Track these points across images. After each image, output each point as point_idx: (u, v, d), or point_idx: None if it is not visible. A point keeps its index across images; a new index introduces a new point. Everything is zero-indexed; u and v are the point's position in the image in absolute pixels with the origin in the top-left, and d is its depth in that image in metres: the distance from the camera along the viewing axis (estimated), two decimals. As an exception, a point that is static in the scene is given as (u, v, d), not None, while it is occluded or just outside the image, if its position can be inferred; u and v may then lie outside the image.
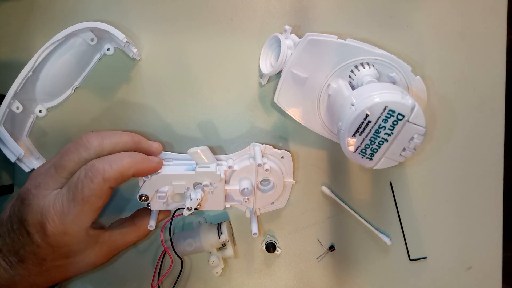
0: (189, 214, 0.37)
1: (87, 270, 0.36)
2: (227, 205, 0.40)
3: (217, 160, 0.40)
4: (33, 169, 0.42)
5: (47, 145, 0.44)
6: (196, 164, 0.38)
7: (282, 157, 0.40)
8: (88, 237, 0.34)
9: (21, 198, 0.34)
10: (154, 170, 0.36)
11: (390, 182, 0.43)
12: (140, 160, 0.34)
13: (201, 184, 0.37)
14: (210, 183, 0.37)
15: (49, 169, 0.34)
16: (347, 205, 0.43)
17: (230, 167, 0.38)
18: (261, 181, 0.40)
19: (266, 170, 0.38)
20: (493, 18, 0.41)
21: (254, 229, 0.39)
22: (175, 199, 0.39)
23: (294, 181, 0.41)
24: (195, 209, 0.37)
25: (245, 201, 0.40)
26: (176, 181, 0.37)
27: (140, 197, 0.37)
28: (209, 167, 0.38)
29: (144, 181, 0.37)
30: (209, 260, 0.41)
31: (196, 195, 0.36)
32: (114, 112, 0.43)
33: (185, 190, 0.37)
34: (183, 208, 0.37)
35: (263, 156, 0.39)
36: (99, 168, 0.32)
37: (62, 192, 0.33)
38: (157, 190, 0.37)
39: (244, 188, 0.39)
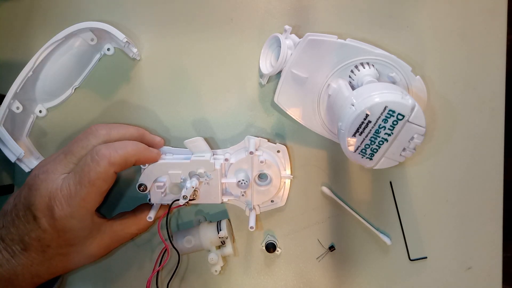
0: (185, 204, 0.37)
1: (87, 262, 0.37)
2: (225, 199, 0.40)
3: (213, 154, 0.40)
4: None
5: (47, 145, 0.44)
6: (192, 154, 0.39)
7: (278, 151, 0.41)
8: (92, 224, 0.36)
9: (28, 185, 0.35)
10: (153, 160, 0.38)
11: (390, 182, 0.43)
12: (143, 149, 0.37)
13: (196, 173, 0.38)
14: (205, 173, 0.38)
15: (58, 155, 0.36)
16: (347, 205, 0.43)
17: (226, 159, 0.39)
18: (259, 176, 0.40)
19: (261, 162, 0.39)
20: (493, 18, 0.41)
21: (251, 222, 0.39)
22: (173, 191, 0.39)
23: (292, 176, 0.41)
24: (192, 199, 0.38)
25: (242, 195, 0.40)
26: (172, 169, 0.38)
27: (139, 186, 0.38)
28: (203, 156, 0.39)
29: (143, 169, 0.38)
30: (208, 258, 0.41)
31: (191, 183, 0.37)
32: (114, 112, 0.43)
33: (181, 180, 0.39)
34: (177, 201, 0.38)
35: (258, 149, 0.40)
36: (105, 153, 0.34)
37: (69, 177, 0.34)
38: (155, 180, 0.38)
39: (240, 180, 0.39)
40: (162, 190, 0.38)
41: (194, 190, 0.38)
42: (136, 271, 0.45)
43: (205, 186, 0.39)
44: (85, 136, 0.36)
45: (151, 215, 0.39)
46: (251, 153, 0.38)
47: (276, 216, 0.44)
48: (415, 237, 0.44)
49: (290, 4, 0.42)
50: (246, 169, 0.40)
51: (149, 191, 0.39)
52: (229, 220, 0.44)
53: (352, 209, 0.43)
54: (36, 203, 0.33)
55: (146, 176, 0.38)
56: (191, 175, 0.39)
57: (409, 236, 0.44)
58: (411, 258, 0.44)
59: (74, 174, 0.34)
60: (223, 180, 0.40)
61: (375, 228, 0.43)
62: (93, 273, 0.45)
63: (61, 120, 0.43)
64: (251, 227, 0.39)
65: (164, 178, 0.39)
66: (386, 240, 0.43)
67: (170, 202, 0.39)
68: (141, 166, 0.39)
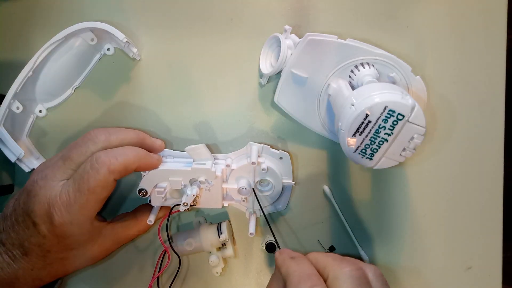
0: (185, 210, 0.37)
1: (88, 264, 0.37)
2: (225, 204, 0.40)
3: (215, 159, 0.40)
4: (33, 169, 0.42)
5: (47, 145, 0.44)
6: (193, 161, 0.39)
7: (280, 157, 0.40)
8: (92, 228, 0.35)
9: (27, 191, 0.34)
10: (154, 166, 0.38)
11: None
12: (143, 156, 0.36)
13: (197, 180, 0.38)
14: (206, 180, 0.38)
15: (57, 161, 0.35)
16: (341, 211, 0.43)
17: (228, 165, 0.39)
18: (260, 181, 0.40)
19: (263, 169, 0.38)
20: (493, 18, 0.41)
21: (251, 228, 0.39)
22: (174, 195, 0.39)
23: (294, 183, 0.41)
24: (192, 205, 0.38)
25: (243, 201, 0.40)
26: (173, 176, 0.38)
27: (140, 191, 0.38)
28: (205, 164, 0.39)
29: (144, 175, 0.38)
30: (209, 260, 0.41)
31: (191, 191, 0.37)
32: (114, 112, 0.43)
33: (182, 186, 0.38)
34: (178, 206, 0.38)
35: (260, 156, 0.40)
36: (105, 160, 0.33)
37: (68, 183, 0.34)
38: (155, 186, 0.38)
39: (241, 187, 0.39)
40: (163, 195, 0.38)
41: (195, 197, 0.38)
42: (136, 272, 0.45)
43: (206, 192, 0.39)
44: (83, 142, 0.36)
45: (151, 218, 0.39)
46: (253, 163, 0.38)
47: (276, 216, 0.44)
48: (415, 237, 0.44)
49: (290, 4, 0.42)
50: (248, 176, 0.40)
51: (149, 195, 0.39)
52: (229, 221, 0.44)
53: (344, 218, 0.43)
54: (35, 209, 0.33)
55: (147, 181, 0.38)
56: (192, 182, 0.39)
57: (409, 236, 0.44)
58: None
59: (73, 181, 0.34)
60: (224, 186, 0.40)
61: (358, 243, 0.43)
62: (93, 275, 0.45)
63: (61, 120, 0.43)
64: (251, 233, 0.39)
65: (164, 183, 0.39)
66: (365, 258, 0.43)
67: (170, 206, 0.39)
68: (141, 172, 0.38)
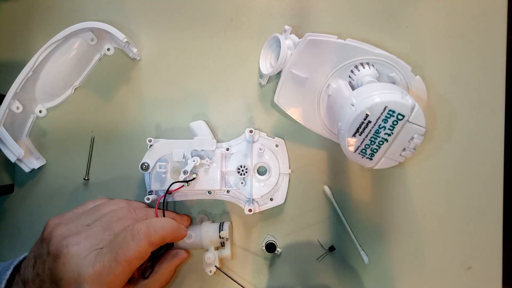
0: (184, 183, 0.38)
1: None
2: (223, 187, 0.41)
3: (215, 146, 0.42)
4: (33, 169, 0.42)
5: (47, 145, 0.44)
6: (195, 136, 0.41)
7: (276, 145, 0.42)
8: None
9: (53, 255, 0.33)
10: (182, 238, 0.38)
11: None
12: (177, 228, 0.37)
13: (199, 152, 0.40)
14: (207, 153, 0.40)
15: (93, 228, 0.35)
16: (341, 211, 0.43)
17: (227, 149, 0.41)
18: (258, 170, 0.41)
19: (260, 149, 0.40)
20: (493, 18, 0.41)
21: (250, 206, 0.40)
22: (174, 176, 0.40)
23: (290, 170, 0.42)
24: (191, 179, 0.39)
25: (242, 183, 0.41)
26: (176, 148, 0.40)
27: (142, 165, 0.40)
28: (205, 137, 0.41)
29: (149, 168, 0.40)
30: (204, 257, 0.40)
31: (192, 160, 0.39)
32: (114, 112, 0.43)
33: (183, 160, 0.40)
34: (178, 182, 0.39)
35: (256, 141, 0.42)
36: (146, 232, 0.33)
37: (103, 252, 0.33)
38: (158, 159, 0.40)
39: (240, 166, 0.40)
40: (164, 170, 0.40)
41: (195, 173, 0.39)
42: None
43: (206, 170, 0.40)
44: (128, 217, 0.36)
45: (150, 197, 0.40)
46: (251, 131, 0.40)
47: (276, 216, 0.44)
48: (414, 237, 0.44)
49: (290, 4, 0.42)
50: (246, 158, 0.41)
51: (150, 171, 0.40)
52: (231, 223, 0.44)
53: (344, 218, 0.43)
54: (64, 278, 0.32)
55: (150, 154, 0.40)
56: (193, 155, 0.40)
57: (409, 235, 0.44)
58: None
59: (110, 250, 0.33)
60: (223, 169, 0.41)
61: (358, 243, 0.43)
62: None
63: (61, 120, 0.43)
64: (249, 210, 0.40)
65: (165, 158, 0.40)
66: (365, 258, 0.43)
67: (173, 188, 0.40)
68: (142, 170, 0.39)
